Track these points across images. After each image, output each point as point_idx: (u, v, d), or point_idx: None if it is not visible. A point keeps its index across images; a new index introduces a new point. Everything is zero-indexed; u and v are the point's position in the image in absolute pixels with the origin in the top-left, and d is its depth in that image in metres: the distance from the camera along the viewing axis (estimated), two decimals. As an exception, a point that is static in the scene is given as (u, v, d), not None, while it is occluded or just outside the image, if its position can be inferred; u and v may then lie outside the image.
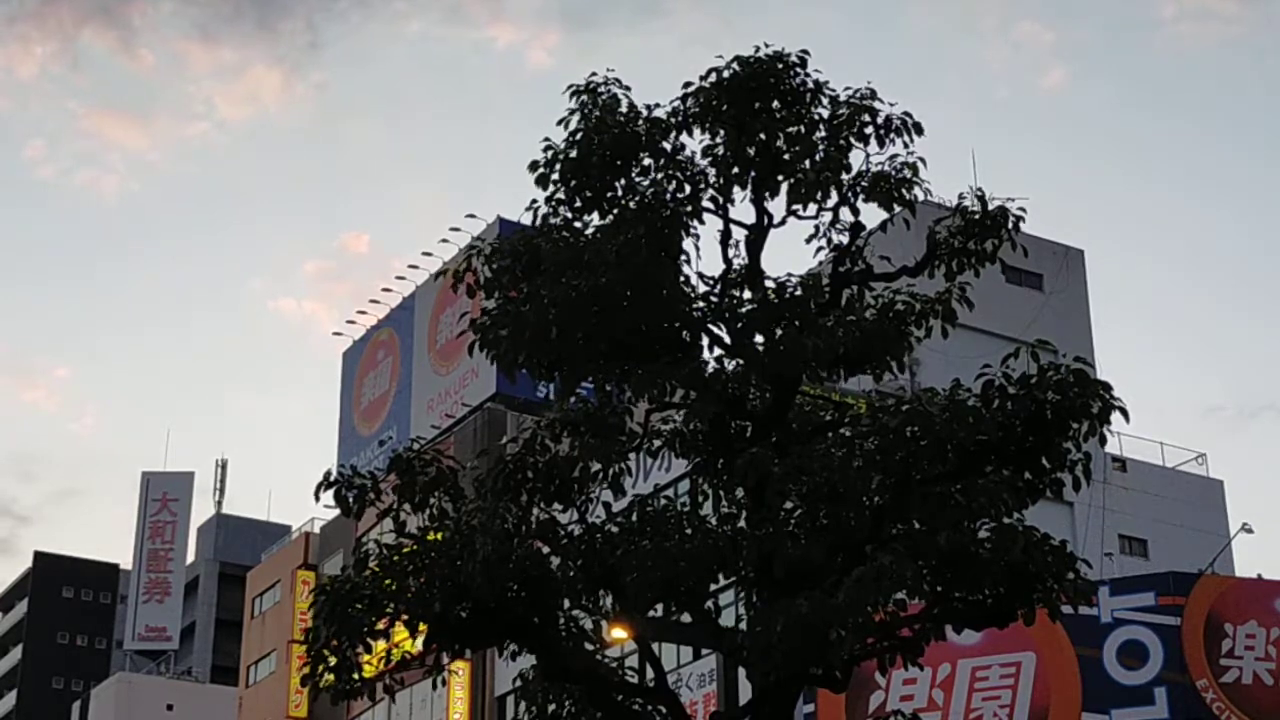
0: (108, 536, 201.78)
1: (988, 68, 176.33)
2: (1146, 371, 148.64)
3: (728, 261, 15.47)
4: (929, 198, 15.34)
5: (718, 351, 15.34)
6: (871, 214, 15.48)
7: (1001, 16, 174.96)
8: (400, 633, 14.80)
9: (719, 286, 15.37)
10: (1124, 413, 14.18)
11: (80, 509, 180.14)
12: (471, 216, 57.61)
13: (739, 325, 15.25)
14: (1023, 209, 15.27)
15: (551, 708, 14.93)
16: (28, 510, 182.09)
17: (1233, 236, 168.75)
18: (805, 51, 15.55)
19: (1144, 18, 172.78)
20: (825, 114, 15.51)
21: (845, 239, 15.48)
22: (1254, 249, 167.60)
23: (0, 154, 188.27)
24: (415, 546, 14.66)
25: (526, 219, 15.50)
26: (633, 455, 15.47)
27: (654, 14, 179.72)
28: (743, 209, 15.65)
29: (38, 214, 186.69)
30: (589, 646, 15.13)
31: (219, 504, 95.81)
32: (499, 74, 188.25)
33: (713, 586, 14.81)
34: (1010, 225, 15.31)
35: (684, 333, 15.18)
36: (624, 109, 15.30)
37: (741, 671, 28.88)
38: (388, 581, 14.48)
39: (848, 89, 15.51)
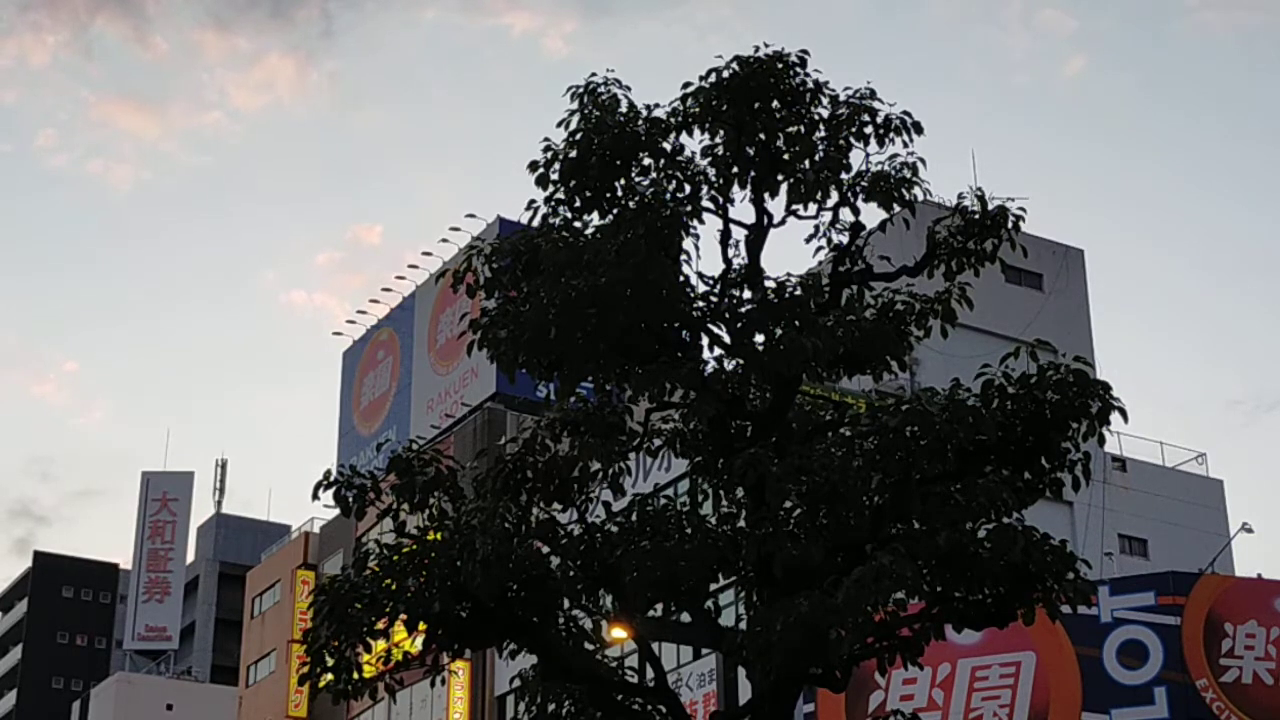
0: (123, 536, 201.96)
1: (1008, 55, 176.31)
2: (1166, 366, 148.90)
3: (727, 261, 15.47)
4: (929, 197, 15.34)
5: (718, 351, 15.35)
6: (871, 214, 15.51)
7: (1023, 4, 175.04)
8: (400, 633, 14.80)
9: (719, 286, 15.36)
10: (1123, 413, 14.21)
11: (97, 509, 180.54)
12: (471, 216, 57.88)
13: (739, 325, 15.25)
14: (1023, 209, 15.29)
15: (551, 708, 14.93)
16: (46, 510, 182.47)
17: (1259, 229, 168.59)
18: (805, 51, 15.55)
19: (1167, 6, 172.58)
20: (825, 114, 15.51)
21: (845, 239, 15.48)
22: (1278, 241, 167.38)
23: (12, 143, 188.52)
24: (415, 546, 14.66)
25: (526, 218, 15.52)
26: (633, 455, 15.48)
27: (672, 1, 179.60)
28: (743, 209, 15.67)
29: (49, 204, 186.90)
30: (589, 646, 15.13)
31: (219, 504, 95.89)
32: (515, 62, 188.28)
33: (713, 586, 14.82)
34: (1010, 225, 15.32)
35: (684, 332, 15.18)
36: (624, 109, 15.30)
37: (741, 671, 28.89)
38: (387, 581, 14.48)
39: (847, 89, 15.54)
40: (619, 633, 16.70)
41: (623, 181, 15.31)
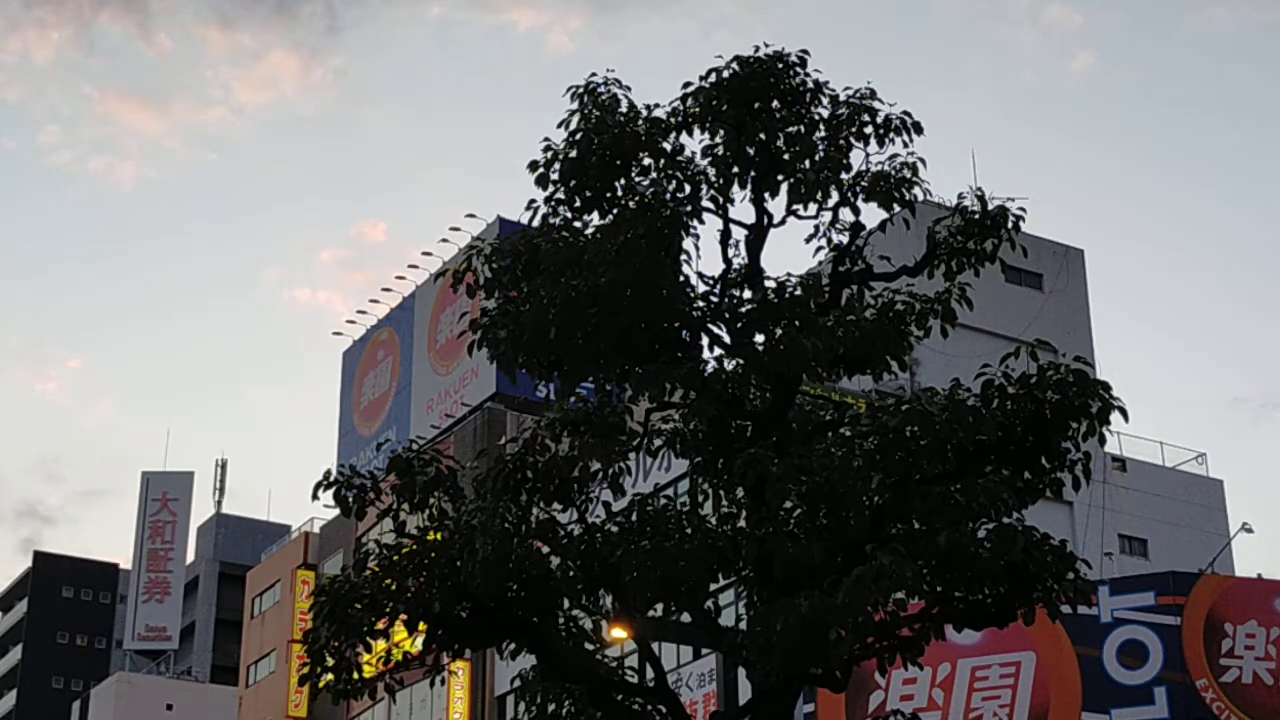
0: (126, 535, 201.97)
1: (1015, 52, 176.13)
2: (1167, 366, 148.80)
3: (728, 261, 15.47)
4: (929, 197, 15.35)
5: (718, 351, 15.35)
6: (871, 214, 15.51)
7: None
8: (400, 633, 14.80)
9: (719, 286, 15.36)
10: (1123, 412, 14.20)
11: (101, 509, 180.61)
12: (471, 216, 57.92)
13: (739, 325, 15.25)
14: (1023, 209, 15.30)
15: (551, 708, 14.93)
16: (52, 511, 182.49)
17: (1259, 229, 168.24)
18: (805, 51, 15.57)
19: (1174, 1, 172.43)
20: (825, 113, 15.51)
21: (845, 239, 15.48)
22: (1278, 241, 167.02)
23: (15, 140, 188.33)
24: (415, 546, 14.66)
25: (526, 218, 15.52)
26: (633, 455, 15.48)
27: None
28: (743, 209, 15.67)
29: (52, 201, 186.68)
30: (589, 646, 15.13)
31: (219, 504, 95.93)
32: (520, 59, 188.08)
33: (713, 586, 14.82)
34: (1010, 225, 15.32)
35: (684, 332, 15.18)
36: (624, 109, 15.30)
37: (741, 671, 28.89)
38: (388, 581, 14.48)
39: (847, 88, 15.54)
40: (619, 633, 16.69)
41: (623, 181, 15.31)
